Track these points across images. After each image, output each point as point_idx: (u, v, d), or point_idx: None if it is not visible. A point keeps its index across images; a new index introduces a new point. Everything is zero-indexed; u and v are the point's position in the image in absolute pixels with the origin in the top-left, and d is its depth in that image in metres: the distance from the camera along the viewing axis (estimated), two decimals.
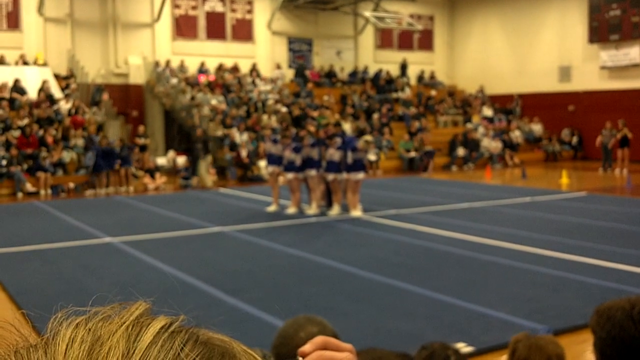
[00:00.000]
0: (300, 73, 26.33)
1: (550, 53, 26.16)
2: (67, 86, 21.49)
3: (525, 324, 6.04)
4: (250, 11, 25.88)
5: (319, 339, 0.64)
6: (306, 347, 0.63)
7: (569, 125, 25.90)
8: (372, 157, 14.10)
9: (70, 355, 0.48)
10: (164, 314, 0.54)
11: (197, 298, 7.13)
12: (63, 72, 22.26)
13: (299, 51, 27.19)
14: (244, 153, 20.31)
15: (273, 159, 13.73)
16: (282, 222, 12.24)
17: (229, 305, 6.91)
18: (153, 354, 0.48)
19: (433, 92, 27.56)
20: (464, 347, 5.34)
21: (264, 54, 26.17)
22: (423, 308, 6.87)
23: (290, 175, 13.14)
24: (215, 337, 0.54)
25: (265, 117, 22.33)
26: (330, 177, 12.86)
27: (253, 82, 24.64)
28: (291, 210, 13.17)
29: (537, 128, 26.49)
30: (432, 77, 29.32)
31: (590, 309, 1.66)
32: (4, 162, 17.36)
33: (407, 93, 27.29)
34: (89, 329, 0.50)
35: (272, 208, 13.58)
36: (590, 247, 9.52)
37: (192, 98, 22.17)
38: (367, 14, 26.33)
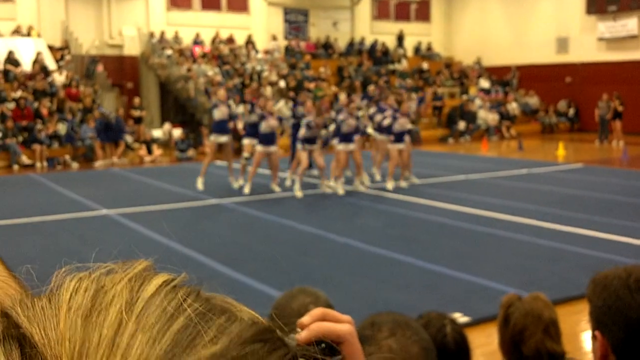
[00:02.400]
0: (291, 52, 25.95)
1: (548, 24, 25.99)
2: (62, 58, 21.32)
3: (521, 295, 6.08)
4: None
5: (318, 311, 0.64)
6: (305, 319, 0.64)
7: (566, 97, 25.83)
8: (369, 130, 13.98)
9: (74, 303, 0.49)
10: (167, 271, 0.56)
11: (194, 269, 7.10)
12: (57, 43, 22.06)
13: (295, 22, 26.95)
14: (240, 125, 20.22)
15: (225, 128, 12.59)
16: (279, 194, 12.23)
17: (227, 276, 6.94)
18: (156, 302, 0.50)
19: (425, 65, 27.37)
20: (460, 318, 5.38)
21: (260, 25, 25.94)
22: (420, 279, 6.91)
23: (272, 149, 12.06)
24: (217, 296, 0.56)
25: (261, 88, 22.22)
26: (352, 146, 12.12)
27: (248, 55, 24.46)
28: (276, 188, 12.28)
29: (533, 100, 26.42)
30: (429, 48, 29.14)
31: (586, 280, 1.67)
32: None
33: (403, 65, 27.14)
34: (93, 280, 0.52)
35: (247, 189, 12.17)
36: (587, 218, 9.56)
37: (188, 70, 22.02)
38: None
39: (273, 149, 12.19)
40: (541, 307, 2.36)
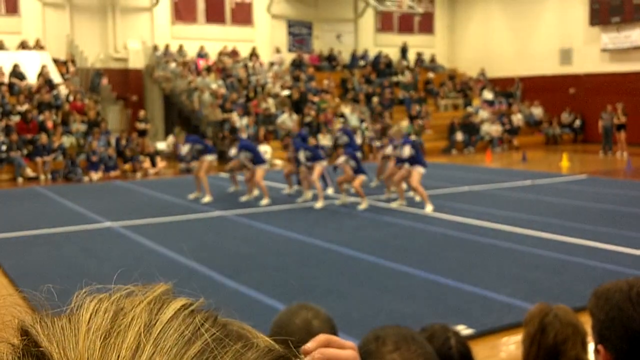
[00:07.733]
0: (296, 64, 25.98)
1: (551, 35, 26.03)
2: (67, 71, 21.42)
3: (525, 306, 6.06)
4: None
5: (322, 337, 0.65)
6: (309, 346, 0.64)
7: (570, 108, 25.83)
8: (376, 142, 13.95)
9: (93, 323, 0.50)
10: (185, 295, 0.57)
11: (198, 282, 7.15)
12: (62, 57, 22.17)
13: (299, 35, 27.04)
14: (244, 137, 20.26)
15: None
16: (283, 206, 12.25)
17: (230, 288, 6.94)
18: (174, 326, 0.51)
19: (431, 75, 27.43)
20: (464, 329, 5.37)
21: (264, 38, 26.03)
22: (424, 290, 6.89)
23: (263, 167, 12.85)
24: (234, 322, 0.57)
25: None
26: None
27: (253, 67, 24.55)
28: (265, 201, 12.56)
29: (537, 111, 26.43)
30: (433, 60, 29.19)
31: (590, 291, 1.67)
32: (4, 148, 17.35)
33: (407, 77, 27.19)
34: (113, 302, 0.53)
35: (207, 199, 12.89)
36: (591, 229, 9.54)
37: (190, 82, 22.09)
38: None
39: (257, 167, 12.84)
40: (575, 319, 2.31)
